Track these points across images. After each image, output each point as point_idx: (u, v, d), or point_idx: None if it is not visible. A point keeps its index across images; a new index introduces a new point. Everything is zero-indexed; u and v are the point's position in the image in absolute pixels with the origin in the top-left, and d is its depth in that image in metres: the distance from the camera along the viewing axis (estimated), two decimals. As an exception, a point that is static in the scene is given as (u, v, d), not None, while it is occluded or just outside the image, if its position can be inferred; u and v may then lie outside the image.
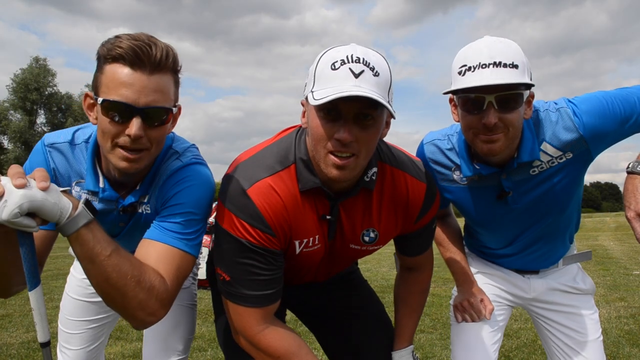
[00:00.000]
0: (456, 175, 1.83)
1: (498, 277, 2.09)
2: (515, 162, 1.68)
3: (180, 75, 1.45)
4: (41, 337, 1.29)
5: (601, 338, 2.00)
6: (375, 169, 1.53)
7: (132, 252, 1.39)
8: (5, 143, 47.99)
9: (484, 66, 1.50)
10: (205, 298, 5.47)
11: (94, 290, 1.97)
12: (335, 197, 1.51)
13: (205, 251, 5.34)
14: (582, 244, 15.02)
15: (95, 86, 1.36)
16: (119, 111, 1.32)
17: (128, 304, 1.30)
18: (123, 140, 1.34)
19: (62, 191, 1.23)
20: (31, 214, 1.14)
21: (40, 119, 49.08)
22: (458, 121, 1.70)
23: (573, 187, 1.78)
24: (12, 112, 47.34)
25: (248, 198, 1.43)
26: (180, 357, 2.00)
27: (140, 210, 1.57)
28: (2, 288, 1.42)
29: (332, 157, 1.35)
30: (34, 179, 1.16)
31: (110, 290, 1.29)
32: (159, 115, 1.36)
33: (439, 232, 2.11)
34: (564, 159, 1.69)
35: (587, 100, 1.67)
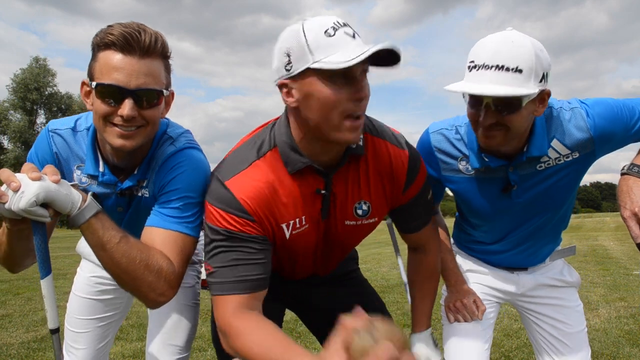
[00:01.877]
0: (462, 166, 1.83)
1: (487, 274, 2.11)
2: (524, 155, 1.69)
3: (170, 62, 1.52)
4: (51, 324, 1.42)
5: (586, 329, 2.05)
6: (361, 136, 1.54)
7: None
8: (5, 143, 48.13)
9: (486, 67, 1.49)
10: (205, 298, 5.45)
11: (100, 288, 2.09)
12: (327, 172, 1.51)
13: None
14: (582, 243, 15.05)
15: (91, 73, 1.44)
16: (112, 94, 1.39)
17: (139, 286, 1.41)
18: (117, 120, 1.41)
19: (71, 185, 1.35)
20: (44, 205, 1.27)
21: (40, 119, 49.24)
22: None
23: (573, 186, 1.82)
24: (12, 112, 47.50)
25: (226, 188, 1.46)
26: (182, 355, 2.03)
27: (139, 194, 1.64)
28: (10, 266, 1.58)
29: (349, 121, 1.35)
30: (46, 174, 1.29)
31: (121, 274, 1.40)
32: (150, 97, 1.44)
33: None
34: (570, 158, 1.72)
35: (599, 104, 1.70)
